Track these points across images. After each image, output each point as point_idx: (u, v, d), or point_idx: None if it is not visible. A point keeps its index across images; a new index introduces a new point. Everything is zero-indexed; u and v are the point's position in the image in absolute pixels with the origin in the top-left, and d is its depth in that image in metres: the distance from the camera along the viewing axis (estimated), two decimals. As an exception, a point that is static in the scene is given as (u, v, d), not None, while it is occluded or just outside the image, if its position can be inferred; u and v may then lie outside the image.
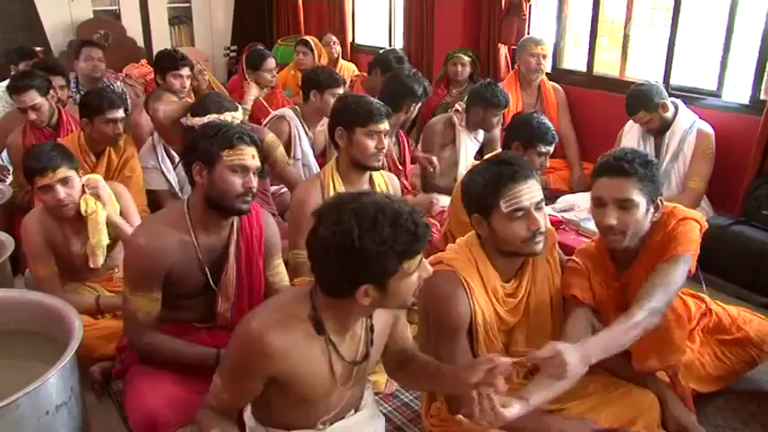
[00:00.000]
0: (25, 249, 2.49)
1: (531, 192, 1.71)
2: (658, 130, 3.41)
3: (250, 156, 1.92)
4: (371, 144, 2.34)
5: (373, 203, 1.36)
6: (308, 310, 1.47)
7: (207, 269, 2.00)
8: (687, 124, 3.37)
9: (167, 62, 3.86)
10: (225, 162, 1.90)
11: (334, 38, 5.28)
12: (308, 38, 5.11)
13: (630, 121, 3.53)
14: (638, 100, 3.37)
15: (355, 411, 1.69)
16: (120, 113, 3.00)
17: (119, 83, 4.88)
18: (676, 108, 3.40)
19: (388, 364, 1.80)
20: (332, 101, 3.34)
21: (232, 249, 2.03)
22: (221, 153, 1.89)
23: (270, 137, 3.19)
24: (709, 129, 3.37)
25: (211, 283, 2.02)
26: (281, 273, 2.20)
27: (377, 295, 1.39)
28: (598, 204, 1.86)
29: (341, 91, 3.41)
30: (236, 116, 2.79)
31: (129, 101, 4.32)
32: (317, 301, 1.47)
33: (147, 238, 1.91)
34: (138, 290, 1.91)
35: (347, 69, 5.20)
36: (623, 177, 1.80)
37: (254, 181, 1.95)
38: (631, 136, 3.56)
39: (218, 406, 1.57)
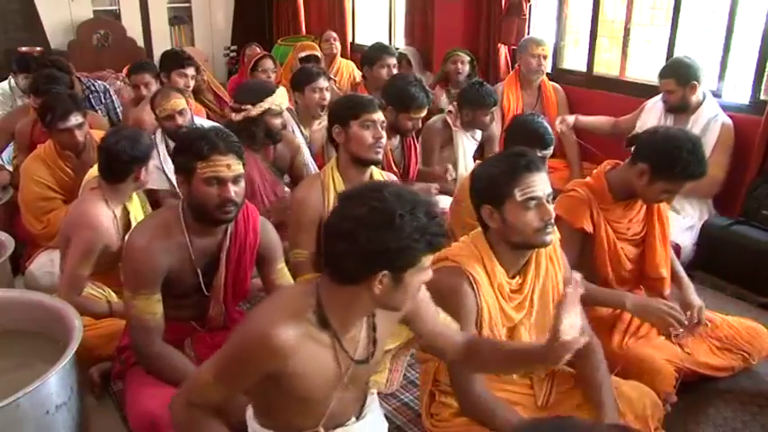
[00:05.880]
0: (83, 243, 2.31)
1: (543, 183, 1.74)
2: (675, 108, 3.37)
3: (225, 166, 1.86)
4: (368, 134, 2.35)
5: (410, 192, 1.40)
6: (313, 304, 1.45)
7: (199, 271, 2.00)
8: (712, 114, 3.33)
9: (173, 61, 3.89)
10: (199, 174, 1.86)
11: (334, 34, 5.21)
12: (316, 53, 4.73)
13: (655, 98, 3.52)
14: (676, 68, 3.36)
15: (357, 419, 1.65)
16: (75, 120, 2.79)
17: (119, 82, 4.89)
18: (704, 96, 3.37)
19: (447, 355, 1.70)
20: (315, 96, 3.37)
21: (223, 254, 2.02)
22: (195, 165, 1.86)
23: (297, 141, 3.18)
24: (729, 121, 3.35)
25: (202, 285, 2.02)
26: (285, 275, 2.21)
27: (389, 286, 1.37)
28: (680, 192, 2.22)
29: (322, 83, 3.39)
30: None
31: (117, 100, 4.31)
32: (322, 296, 1.45)
33: (145, 239, 1.90)
34: (141, 291, 1.90)
35: (346, 68, 5.15)
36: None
37: (235, 190, 1.88)
38: (653, 113, 3.51)
39: (203, 403, 1.50)
